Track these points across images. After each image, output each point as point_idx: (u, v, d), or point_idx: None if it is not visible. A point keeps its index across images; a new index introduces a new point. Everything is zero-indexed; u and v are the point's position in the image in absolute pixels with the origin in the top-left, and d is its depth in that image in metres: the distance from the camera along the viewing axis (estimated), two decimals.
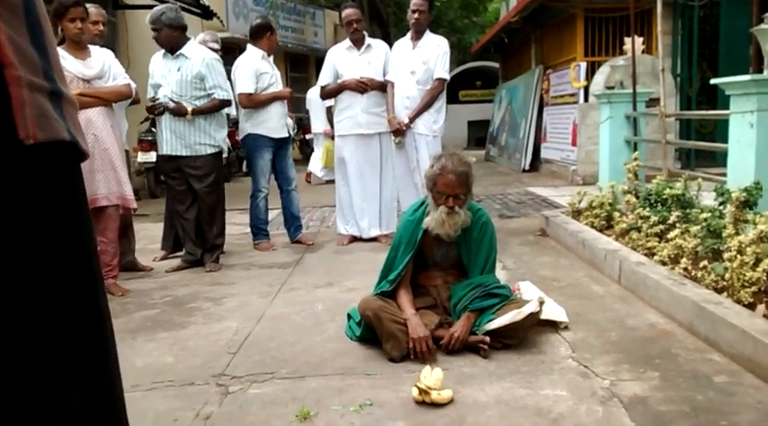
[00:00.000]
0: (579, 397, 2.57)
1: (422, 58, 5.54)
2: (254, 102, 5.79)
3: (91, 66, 4.38)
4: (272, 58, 5.97)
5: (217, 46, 5.65)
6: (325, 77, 5.96)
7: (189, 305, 4.20)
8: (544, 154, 11.94)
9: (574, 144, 10.18)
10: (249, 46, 5.87)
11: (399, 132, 5.58)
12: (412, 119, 5.52)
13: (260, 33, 5.84)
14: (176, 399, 2.74)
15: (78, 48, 4.36)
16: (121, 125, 4.90)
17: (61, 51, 4.31)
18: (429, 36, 5.66)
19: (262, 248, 5.83)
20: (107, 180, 4.38)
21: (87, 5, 4.81)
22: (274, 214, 6.29)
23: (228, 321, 3.79)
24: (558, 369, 2.87)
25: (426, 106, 5.52)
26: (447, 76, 5.59)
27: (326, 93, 6.10)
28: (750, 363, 2.72)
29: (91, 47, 4.49)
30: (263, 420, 2.51)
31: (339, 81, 5.86)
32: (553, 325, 3.37)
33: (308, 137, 15.14)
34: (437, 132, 5.55)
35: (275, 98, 5.79)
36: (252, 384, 2.85)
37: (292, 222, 6.11)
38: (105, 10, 5.06)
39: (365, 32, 5.92)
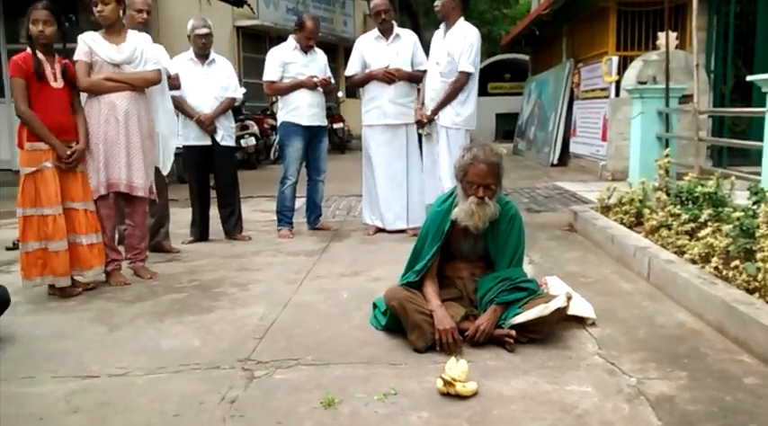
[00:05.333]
0: (605, 394, 2.55)
1: (447, 49, 5.44)
2: (274, 90, 6.02)
3: (121, 51, 4.39)
4: (316, 52, 6.00)
5: (206, 30, 5.61)
6: (353, 67, 5.96)
7: (216, 289, 4.23)
8: (573, 148, 11.82)
9: (604, 139, 10.06)
10: (290, 36, 6.03)
11: (420, 124, 5.57)
12: (434, 112, 5.48)
13: (296, 27, 5.96)
14: (202, 382, 2.77)
15: (113, 32, 4.38)
16: (161, 111, 4.87)
17: (95, 35, 4.35)
18: (459, 26, 5.49)
19: (281, 235, 5.87)
20: (119, 166, 4.36)
21: None
22: (302, 202, 6.32)
23: (254, 307, 3.82)
24: (584, 366, 2.85)
25: (448, 99, 5.44)
26: (471, 69, 5.40)
27: (354, 83, 6.11)
28: None
29: (130, 32, 4.51)
30: (287, 405, 2.52)
31: (367, 71, 5.85)
32: (580, 321, 3.34)
33: (336, 126, 15.20)
34: (459, 124, 5.47)
35: (296, 86, 5.82)
36: (277, 369, 2.87)
37: (313, 210, 6.18)
38: None
39: (394, 22, 5.90)
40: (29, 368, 2.97)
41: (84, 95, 4.35)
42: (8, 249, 5.45)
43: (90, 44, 4.31)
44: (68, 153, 4.07)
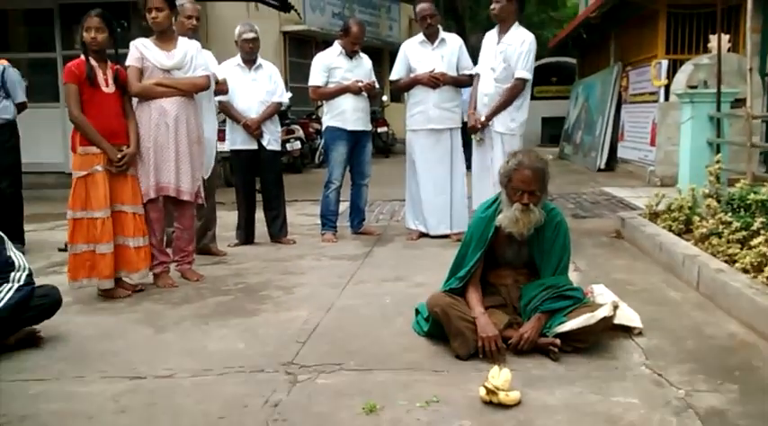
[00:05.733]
0: (652, 406, 2.50)
1: (504, 55, 5.35)
2: (320, 95, 6.07)
3: (172, 57, 4.47)
4: (361, 57, 6.05)
5: (253, 35, 5.70)
6: (398, 71, 5.96)
7: (261, 292, 4.28)
8: (621, 153, 11.63)
9: (653, 144, 9.87)
10: (336, 41, 6.07)
11: (474, 129, 5.51)
12: (488, 118, 5.40)
13: (341, 32, 6.01)
14: (246, 385, 2.80)
15: (164, 38, 4.46)
16: (206, 116, 4.96)
17: (146, 41, 4.45)
18: (515, 31, 5.38)
19: (324, 239, 5.92)
20: (168, 170, 4.44)
21: (183, 0, 4.95)
22: (345, 206, 6.35)
23: (298, 310, 3.85)
24: (630, 376, 2.80)
25: (503, 105, 5.35)
26: (528, 76, 5.34)
27: (399, 88, 6.10)
28: None
29: (180, 38, 4.59)
30: (330, 410, 2.54)
31: (411, 75, 5.85)
32: (626, 331, 3.28)
33: (380, 130, 15.24)
34: (515, 130, 5.39)
35: (341, 91, 5.86)
36: (320, 374, 2.89)
37: (357, 215, 6.21)
38: None
39: (439, 26, 5.88)
40: (79, 368, 3.05)
41: (135, 100, 4.44)
42: (60, 250, 5.59)
43: (141, 50, 4.40)
44: (119, 156, 4.16)
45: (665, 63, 9.89)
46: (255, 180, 5.98)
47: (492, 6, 5.41)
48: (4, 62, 5.97)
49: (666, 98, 9.63)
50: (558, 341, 3.00)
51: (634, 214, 6.02)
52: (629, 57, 11.92)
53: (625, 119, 11.59)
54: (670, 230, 5.03)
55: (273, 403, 2.61)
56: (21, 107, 6.04)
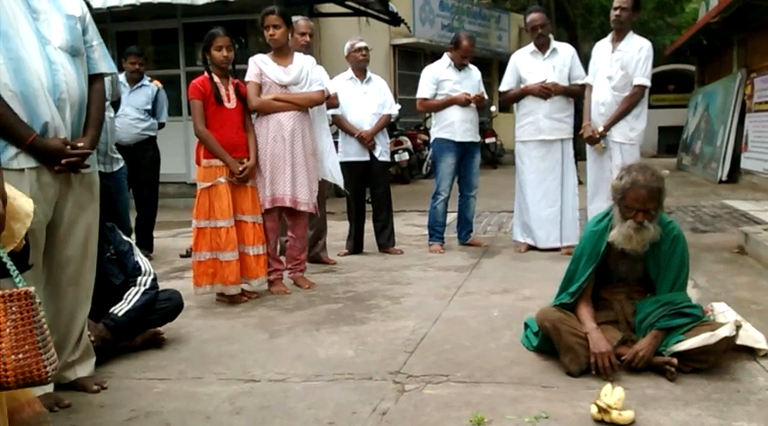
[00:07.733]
0: None
1: (620, 63, 5.22)
2: (427, 107, 6.17)
3: (289, 73, 4.64)
4: (470, 68, 6.08)
5: (364, 44, 5.85)
6: (508, 82, 5.92)
7: (369, 301, 4.36)
8: (744, 164, 11.01)
9: None
10: (445, 53, 6.14)
11: (592, 140, 5.38)
12: (607, 128, 5.26)
13: (451, 45, 6.06)
14: (355, 392, 2.86)
15: (281, 54, 4.65)
16: (319, 129, 5.09)
17: (265, 57, 4.64)
18: (631, 38, 5.26)
19: (432, 250, 5.94)
20: (284, 182, 4.58)
21: (297, 18, 5.15)
22: (453, 218, 6.35)
23: (406, 320, 3.89)
24: (754, 400, 2.64)
25: (623, 114, 5.22)
26: (647, 83, 5.20)
27: (508, 99, 6.06)
28: None
29: (296, 54, 4.77)
30: (437, 421, 2.55)
31: (522, 86, 5.80)
32: (750, 352, 3.10)
33: (488, 141, 15.16)
34: (634, 140, 5.24)
35: (449, 103, 5.89)
36: (427, 384, 2.91)
37: (465, 226, 6.21)
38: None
39: (551, 36, 5.80)
40: (198, 369, 3.22)
41: (254, 114, 4.64)
42: (182, 256, 5.91)
43: (261, 66, 4.60)
44: (240, 169, 4.36)
45: None
46: (365, 190, 6.10)
47: (617, 13, 5.21)
48: (159, 84, 6.40)
49: None
50: (674, 360, 2.87)
51: (759, 228, 5.68)
52: (754, 63, 11.29)
53: (749, 128, 10.97)
54: None
55: (381, 412, 2.65)
56: (160, 126, 6.44)
